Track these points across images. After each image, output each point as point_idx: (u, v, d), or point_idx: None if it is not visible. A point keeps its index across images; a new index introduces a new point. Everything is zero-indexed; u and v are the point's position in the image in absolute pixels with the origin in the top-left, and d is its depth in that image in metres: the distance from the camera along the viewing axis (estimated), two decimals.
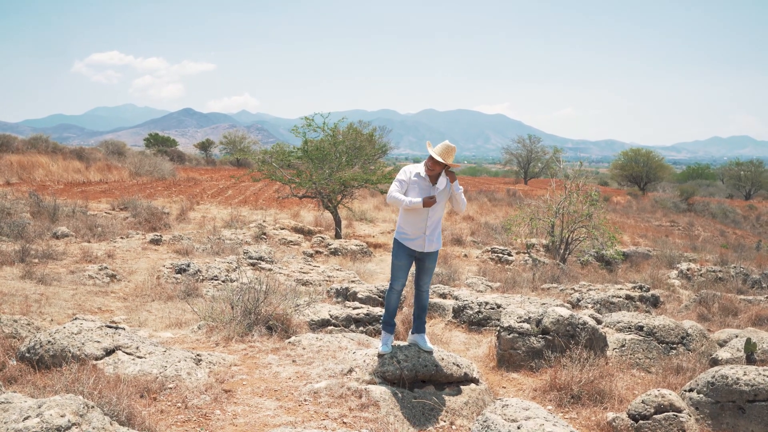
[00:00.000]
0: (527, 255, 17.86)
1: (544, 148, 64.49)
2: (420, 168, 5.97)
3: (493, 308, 9.12)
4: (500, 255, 17.75)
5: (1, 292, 8.84)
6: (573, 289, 12.56)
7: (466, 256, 18.08)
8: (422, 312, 6.25)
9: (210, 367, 5.79)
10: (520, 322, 7.36)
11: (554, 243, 17.99)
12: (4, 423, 3.42)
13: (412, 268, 6.29)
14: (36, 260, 11.27)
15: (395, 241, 6.08)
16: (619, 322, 8.27)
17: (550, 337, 7.15)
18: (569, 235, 17.58)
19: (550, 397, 6.15)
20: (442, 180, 5.93)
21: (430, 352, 5.99)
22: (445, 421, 5.29)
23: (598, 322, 8.32)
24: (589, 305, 10.75)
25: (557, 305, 8.63)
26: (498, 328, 7.50)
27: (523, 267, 16.33)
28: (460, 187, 6.00)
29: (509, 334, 7.27)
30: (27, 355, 5.60)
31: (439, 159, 5.72)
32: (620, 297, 11.27)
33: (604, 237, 17.06)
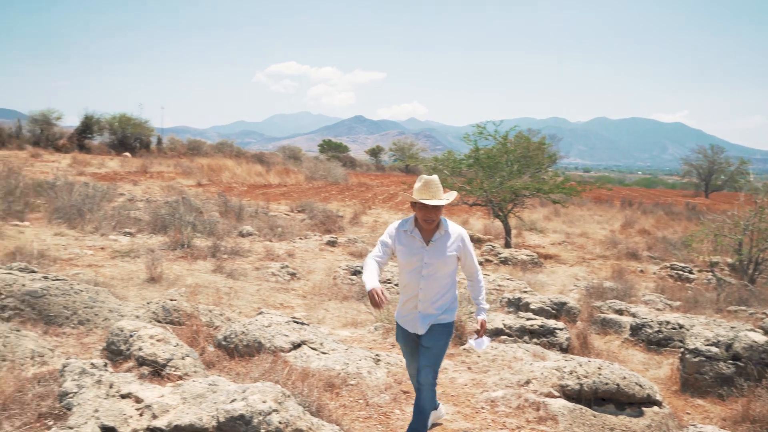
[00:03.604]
0: (710, 274, 16.72)
1: (728, 159, 60.27)
2: (408, 222, 4.53)
3: (674, 328, 8.64)
4: (680, 272, 16.76)
5: (197, 283, 9.60)
6: (765, 313, 11.60)
7: (642, 271, 17.26)
8: (419, 415, 4.40)
9: (388, 368, 5.95)
10: (708, 345, 6.91)
11: (741, 262, 16.69)
12: (214, 403, 3.74)
13: None
14: (225, 256, 12.12)
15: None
16: None
17: (741, 364, 6.65)
18: (759, 255, 16.25)
19: (742, 429, 5.72)
20: (439, 235, 4.47)
21: None
22: None
23: None
24: None
25: (748, 330, 8.01)
26: (682, 350, 7.09)
27: (706, 286, 15.30)
28: (485, 340, 4.59)
29: (695, 357, 6.85)
30: (223, 343, 6.06)
31: (424, 201, 4.29)
32: None
33: None
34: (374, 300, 4.15)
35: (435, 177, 4.40)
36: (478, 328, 4.53)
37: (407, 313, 4.54)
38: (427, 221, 4.37)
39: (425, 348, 4.43)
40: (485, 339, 4.60)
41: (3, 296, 6.48)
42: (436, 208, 4.34)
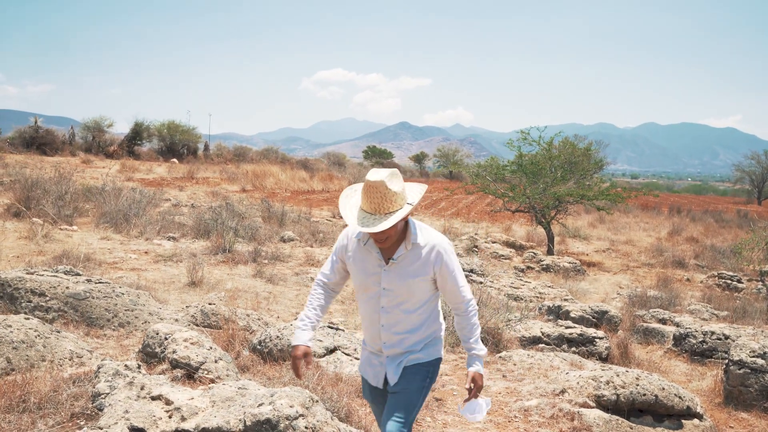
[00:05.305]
0: (760, 283, 16.26)
1: None
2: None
3: (719, 339, 8.41)
4: (728, 281, 16.34)
5: (237, 288, 9.71)
6: None
7: (688, 280, 16.88)
8: None
9: None
10: (753, 356, 6.70)
11: None
12: (242, 407, 3.77)
13: None
14: (266, 261, 12.22)
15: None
16: None
17: None
18: None
19: None
20: (404, 250, 3.07)
21: None
22: None
23: None
24: None
25: None
26: (726, 361, 6.89)
27: (756, 296, 14.89)
28: (482, 404, 3.18)
29: (739, 369, 6.65)
30: (258, 347, 6.11)
31: (359, 226, 2.92)
32: None
33: None
34: (294, 367, 3.10)
35: (381, 178, 2.93)
36: (470, 386, 3.13)
37: (370, 359, 3.31)
38: (378, 240, 3.00)
39: (391, 394, 3.16)
40: (482, 402, 3.17)
41: (48, 298, 6.65)
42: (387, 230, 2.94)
